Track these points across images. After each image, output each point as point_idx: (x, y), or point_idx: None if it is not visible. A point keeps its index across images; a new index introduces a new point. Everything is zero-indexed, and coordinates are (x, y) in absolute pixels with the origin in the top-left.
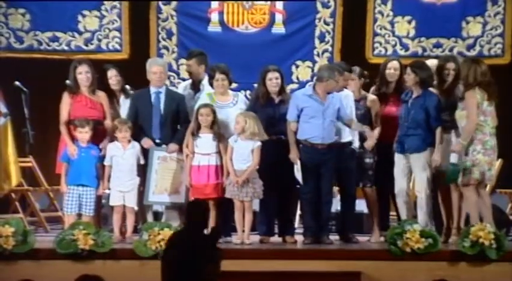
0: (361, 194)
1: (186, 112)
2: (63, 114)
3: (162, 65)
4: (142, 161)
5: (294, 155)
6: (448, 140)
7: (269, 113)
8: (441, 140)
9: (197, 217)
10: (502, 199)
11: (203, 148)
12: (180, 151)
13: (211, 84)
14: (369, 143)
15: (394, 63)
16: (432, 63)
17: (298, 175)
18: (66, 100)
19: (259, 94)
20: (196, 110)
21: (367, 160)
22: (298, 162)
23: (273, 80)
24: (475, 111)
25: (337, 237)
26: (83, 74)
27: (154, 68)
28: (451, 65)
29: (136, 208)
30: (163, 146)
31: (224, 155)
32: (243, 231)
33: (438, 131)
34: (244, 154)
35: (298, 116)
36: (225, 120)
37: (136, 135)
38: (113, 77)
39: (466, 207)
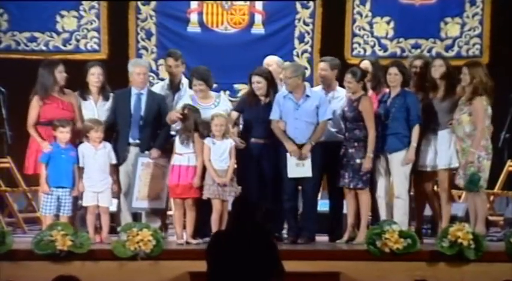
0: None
1: (167, 114)
2: (32, 117)
3: (145, 66)
4: (114, 161)
5: (292, 147)
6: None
7: (253, 114)
8: (417, 138)
9: (246, 215)
10: None
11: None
12: (162, 156)
13: (191, 88)
14: (366, 167)
15: (365, 63)
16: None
17: (298, 170)
18: (36, 103)
19: (247, 93)
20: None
21: (358, 161)
22: (308, 153)
23: (255, 84)
24: (484, 118)
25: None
26: (62, 74)
27: (138, 68)
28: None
29: (111, 208)
30: (146, 152)
31: (199, 155)
32: None
33: (416, 129)
34: (224, 153)
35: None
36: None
37: (115, 136)
38: (96, 74)
39: (480, 211)
